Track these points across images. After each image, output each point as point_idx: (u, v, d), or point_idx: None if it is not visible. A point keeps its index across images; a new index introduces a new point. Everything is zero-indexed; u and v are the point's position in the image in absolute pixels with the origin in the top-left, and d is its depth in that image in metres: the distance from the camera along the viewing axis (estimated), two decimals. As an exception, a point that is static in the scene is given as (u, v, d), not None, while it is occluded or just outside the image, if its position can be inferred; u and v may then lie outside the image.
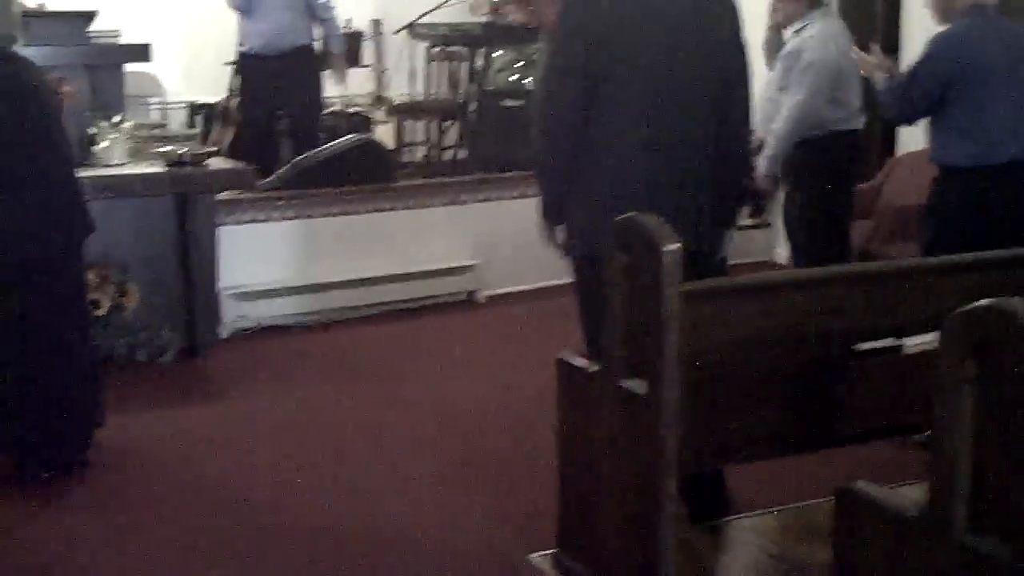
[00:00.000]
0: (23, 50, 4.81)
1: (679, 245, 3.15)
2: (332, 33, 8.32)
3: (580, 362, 3.60)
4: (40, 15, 7.12)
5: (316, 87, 8.41)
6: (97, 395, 4.78)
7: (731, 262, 7.15)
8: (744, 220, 7.94)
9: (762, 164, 5.67)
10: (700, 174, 3.94)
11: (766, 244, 8.17)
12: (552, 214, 4.04)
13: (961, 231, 4.72)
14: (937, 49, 4.84)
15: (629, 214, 3.30)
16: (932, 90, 4.80)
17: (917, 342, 3.57)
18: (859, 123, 5.75)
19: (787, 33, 5.76)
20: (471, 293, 7.23)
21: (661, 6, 3.86)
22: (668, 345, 3.16)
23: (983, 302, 2.34)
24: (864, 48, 5.36)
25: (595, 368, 3.50)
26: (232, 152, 8.48)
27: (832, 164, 5.71)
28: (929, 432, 2.55)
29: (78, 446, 4.66)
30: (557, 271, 4.16)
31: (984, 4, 4.86)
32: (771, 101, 5.60)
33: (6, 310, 4.45)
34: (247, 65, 8.29)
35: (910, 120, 5.28)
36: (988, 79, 4.76)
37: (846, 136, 5.70)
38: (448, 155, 9.61)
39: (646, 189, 3.81)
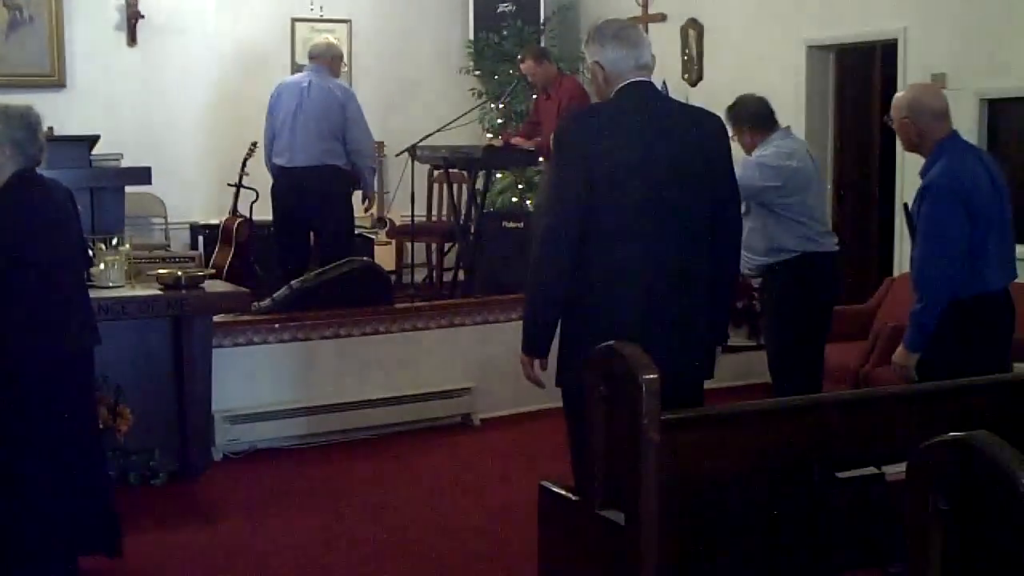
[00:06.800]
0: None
1: (657, 375, 3.15)
2: (360, 166, 8.23)
3: (562, 490, 3.58)
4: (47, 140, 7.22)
5: (344, 205, 8.30)
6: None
7: (731, 384, 7.26)
8: (743, 342, 7.96)
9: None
10: (696, 300, 3.95)
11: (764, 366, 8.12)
12: (535, 347, 3.99)
13: (953, 358, 4.65)
14: (948, 190, 4.62)
15: (608, 343, 3.31)
16: (963, 231, 4.61)
17: (899, 470, 3.55)
18: (830, 245, 5.64)
19: None
20: (466, 416, 7.20)
21: (656, 130, 3.89)
22: (646, 475, 3.15)
23: (946, 436, 2.33)
24: None
25: (576, 497, 3.49)
26: (231, 272, 8.55)
27: (804, 287, 5.58)
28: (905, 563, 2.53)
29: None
30: (553, 394, 4.13)
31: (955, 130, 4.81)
32: None
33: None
34: (276, 178, 8.25)
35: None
36: (987, 205, 4.68)
37: (818, 258, 5.59)
38: (448, 277, 9.67)
39: (642, 320, 3.80)
